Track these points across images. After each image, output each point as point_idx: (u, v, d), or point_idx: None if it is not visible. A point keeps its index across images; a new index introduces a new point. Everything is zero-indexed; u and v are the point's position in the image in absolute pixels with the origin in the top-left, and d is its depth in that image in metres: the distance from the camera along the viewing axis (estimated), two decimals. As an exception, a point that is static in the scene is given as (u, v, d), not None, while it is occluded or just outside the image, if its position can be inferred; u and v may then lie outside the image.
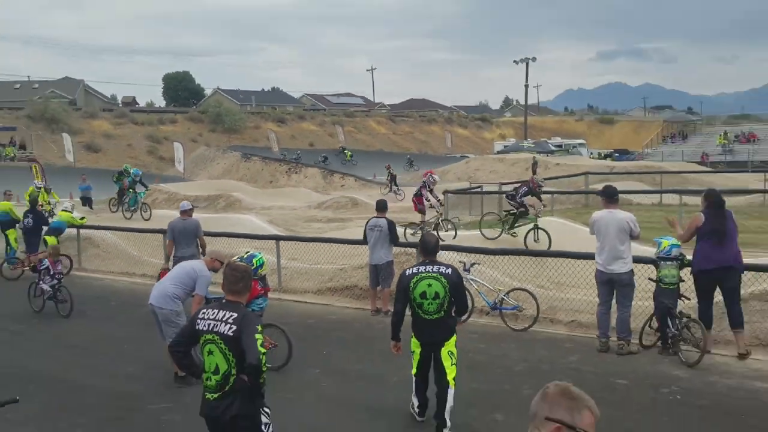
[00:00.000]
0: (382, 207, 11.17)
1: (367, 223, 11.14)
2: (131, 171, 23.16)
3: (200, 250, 11.09)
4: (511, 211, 14.91)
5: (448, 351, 6.03)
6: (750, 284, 9.00)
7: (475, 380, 7.33)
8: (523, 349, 8.68)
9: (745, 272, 8.37)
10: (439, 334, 6.03)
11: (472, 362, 7.92)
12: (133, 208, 22.01)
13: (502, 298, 9.94)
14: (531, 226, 14.51)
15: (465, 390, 6.60)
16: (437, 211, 16.88)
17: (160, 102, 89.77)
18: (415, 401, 6.38)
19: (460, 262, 10.26)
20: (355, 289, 12.02)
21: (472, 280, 10.15)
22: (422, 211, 16.73)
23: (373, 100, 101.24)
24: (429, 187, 16.79)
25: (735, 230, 8.13)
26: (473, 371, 7.58)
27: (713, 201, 8.26)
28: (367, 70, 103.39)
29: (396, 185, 32.56)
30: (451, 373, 6.01)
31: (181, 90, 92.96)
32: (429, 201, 16.70)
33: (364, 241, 11.06)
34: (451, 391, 5.99)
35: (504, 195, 14.02)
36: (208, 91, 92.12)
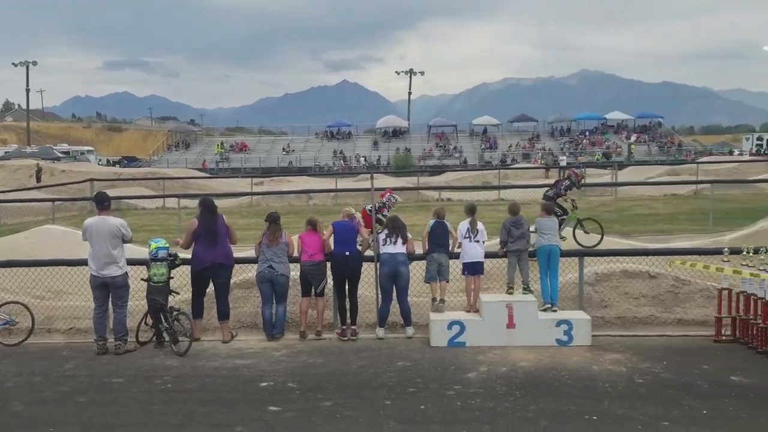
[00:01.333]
0: None
1: None
2: None
3: None
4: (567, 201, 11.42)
5: None
6: (236, 274, 9.73)
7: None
8: (17, 364, 7.87)
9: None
10: None
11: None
12: None
13: (-8, 315, 8.82)
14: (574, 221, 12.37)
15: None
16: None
17: None
18: None
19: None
20: None
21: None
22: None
23: None
24: (388, 207, 12.57)
25: (226, 231, 8.80)
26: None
27: (206, 206, 8.83)
28: None
29: None
30: None
31: None
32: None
33: None
34: None
35: (546, 197, 10.99)
36: None
